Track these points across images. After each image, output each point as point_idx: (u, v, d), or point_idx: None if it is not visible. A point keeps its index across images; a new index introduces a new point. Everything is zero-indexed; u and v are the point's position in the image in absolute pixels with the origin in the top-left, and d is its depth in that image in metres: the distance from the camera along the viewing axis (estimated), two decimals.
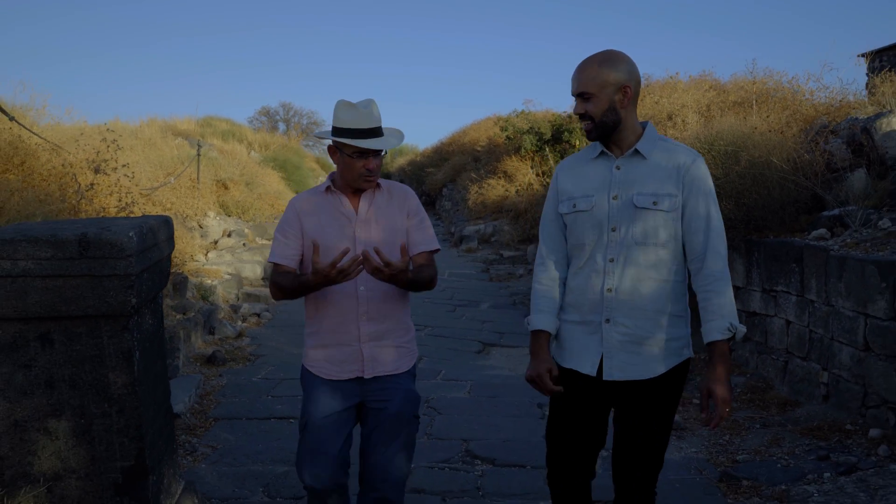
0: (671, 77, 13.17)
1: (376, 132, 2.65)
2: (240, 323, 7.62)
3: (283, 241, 2.73)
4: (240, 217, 13.41)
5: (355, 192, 2.74)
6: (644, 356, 2.38)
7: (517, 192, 15.15)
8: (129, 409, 2.69)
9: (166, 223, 3.01)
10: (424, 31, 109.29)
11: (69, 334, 2.62)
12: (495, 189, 15.71)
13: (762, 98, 8.88)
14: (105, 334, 2.63)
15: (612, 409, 2.51)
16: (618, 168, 2.41)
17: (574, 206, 2.45)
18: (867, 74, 13.35)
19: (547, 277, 2.54)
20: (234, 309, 8.01)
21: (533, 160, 15.41)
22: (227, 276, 8.94)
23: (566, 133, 14.81)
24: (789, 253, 5.33)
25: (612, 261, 2.38)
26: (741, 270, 6.04)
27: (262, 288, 9.38)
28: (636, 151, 2.40)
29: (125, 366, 2.66)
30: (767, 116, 7.33)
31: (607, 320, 2.39)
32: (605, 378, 2.38)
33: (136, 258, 2.58)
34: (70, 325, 2.61)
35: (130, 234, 2.56)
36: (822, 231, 5.30)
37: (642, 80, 2.86)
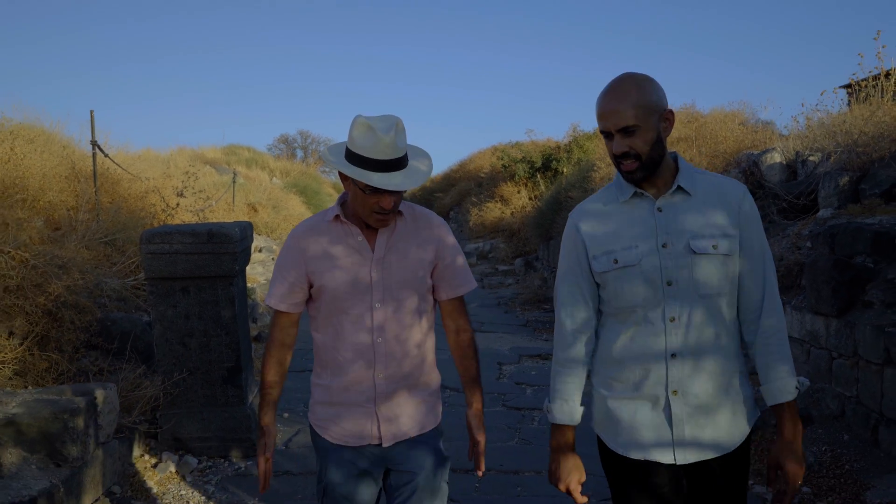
0: None
1: (397, 164, 2.09)
2: None
3: (280, 282, 2.29)
4: (268, 236, 15.40)
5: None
6: (717, 428, 2.01)
7: (512, 213, 17.09)
8: (232, 332, 4.61)
9: (250, 225, 4.96)
10: (445, 54, 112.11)
11: (199, 287, 4.55)
12: (493, 211, 17.66)
13: (700, 133, 10.77)
14: (220, 287, 4.56)
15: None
16: (659, 210, 2.01)
17: (615, 261, 2.01)
18: (848, 105, 15.22)
19: (570, 357, 2.10)
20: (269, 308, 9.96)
21: (526, 186, 17.35)
22: (262, 281, 10.89)
23: (554, 161, 16.77)
24: None
25: (672, 320, 1.98)
26: None
27: None
28: (679, 188, 2.01)
29: (231, 306, 4.58)
30: (685, 151, 9.24)
31: (675, 392, 1.99)
32: (679, 463, 2.00)
33: (239, 243, 4.52)
34: (200, 282, 4.54)
35: (236, 230, 4.51)
36: None
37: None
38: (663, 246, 1.99)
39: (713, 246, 1.97)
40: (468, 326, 2.43)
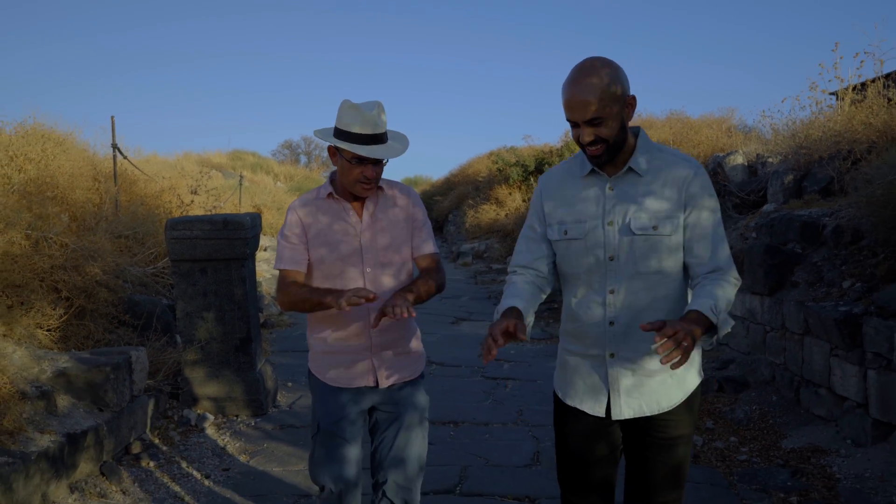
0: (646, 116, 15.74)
1: (379, 139, 2.48)
2: None
3: (288, 246, 2.63)
4: (273, 236, 16.13)
5: (357, 196, 2.61)
6: (654, 390, 2.18)
7: (506, 215, 17.80)
8: (243, 307, 5.33)
9: (259, 216, 5.69)
10: (448, 61, 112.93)
11: (215, 268, 5.27)
12: (488, 213, 18.38)
13: (678, 137, 11.47)
14: (233, 268, 5.29)
15: (623, 446, 2.33)
16: (611, 189, 2.15)
17: (565, 232, 2.20)
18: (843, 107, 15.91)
19: (521, 279, 2.27)
20: (275, 298, 10.71)
21: (519, 188, 18.08)
22: (267, 276, 11.64)
23: (546, 165, 17.49)
24: None
25: (612, 292, 2.15)
26: None
27: None
28: (630, 169, 2.14)
29: (242, 285, 5.30)
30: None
31: (612, 355, 2.18)
32: (613, 418, 2.21)
33: (250, 230, 5.25)
34: (216, 263, 5.26)
35: (247, 219, 5.24)
36: None
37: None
38: (609, 224, 2.14)
39: (653, 227, 2.10)
40: (440, 274, 2.69)
